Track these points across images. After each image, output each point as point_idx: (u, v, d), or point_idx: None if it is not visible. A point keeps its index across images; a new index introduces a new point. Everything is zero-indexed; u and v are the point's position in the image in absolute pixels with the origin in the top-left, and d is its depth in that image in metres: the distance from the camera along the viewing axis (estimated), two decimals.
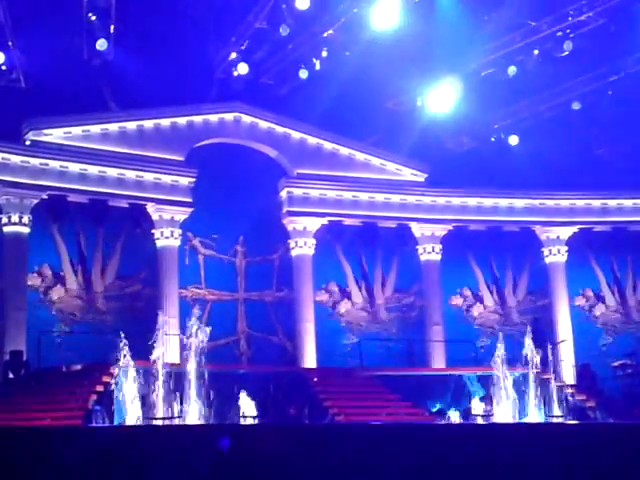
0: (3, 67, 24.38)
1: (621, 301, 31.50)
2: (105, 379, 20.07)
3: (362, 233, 29.10)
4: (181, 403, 18.47)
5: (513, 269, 31.19)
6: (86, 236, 26.21)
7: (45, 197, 24.98)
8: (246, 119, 27.92)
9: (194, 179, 26.46)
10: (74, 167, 25.28)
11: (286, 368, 25.48)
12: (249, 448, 9.35)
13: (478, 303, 30.75)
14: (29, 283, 24.82)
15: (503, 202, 30.01)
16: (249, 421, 19.27)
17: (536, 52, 25.58)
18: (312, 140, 28.62)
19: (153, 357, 18.71)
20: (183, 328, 21.41)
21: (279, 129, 28.33)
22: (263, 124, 28.15)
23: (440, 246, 29.23)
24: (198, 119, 27.30)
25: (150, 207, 26.31)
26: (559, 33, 24.91)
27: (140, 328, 21.32)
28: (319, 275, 28.40)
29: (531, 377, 21.46)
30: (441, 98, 27.76)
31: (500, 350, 21.12)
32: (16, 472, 8.60)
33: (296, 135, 28.48)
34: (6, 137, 24.52)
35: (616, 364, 28.61)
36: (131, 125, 26.35)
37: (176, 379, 18.80)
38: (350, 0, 23.96)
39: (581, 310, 31.04)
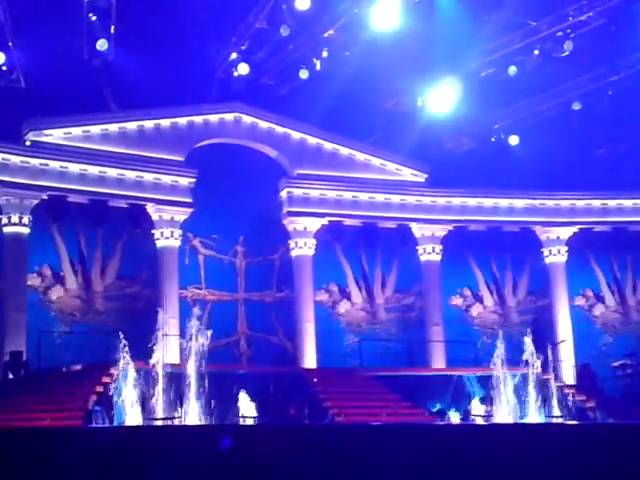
0: (3, 67, 24.36)
1: (621, 301, 31.53)
2: (105, 380, 20.07)
3: (362, 233, 29.12)
4: (181, 403, 18.47)
5: (513, 269, 31.21)
6: (86, 236, 26.23)
7: (45, 197, 24.99)
8: (246, 119, 27.94)
9: (194, 179, 26.46)
10: (74, 167, 25.30)
11: (286, 368, 25.48)
12: (249, 448, 9.35)
13: (477, 303, 30.77)
14: (29, 283, 24.84)
15: (503, 202, 30.03)
16: (249, 421, 19.27)
17: (536, 52, 25.58)
18: (312, 140, 28.64)
19: (153, 358, 18.72)
20: (183, 328, 21.44)
21: (279, 129, 28.35)
22: (263, 124, 28.16)
23: (440, 246, 29.23)
24: (198, 119, 27.32)
25: (150, 207, 26.32)
26: (559, 33, 24.90)
27: (140, 328, 21.33)
28: (319, 275, 28.41)
29: (531, 377, 21.43)
30: (441, 98, 27.76)
31: (500, 350, 21.11)
32: (16, 472, 8.60)
33: (296, 135, 28.50)
34: (6, 137, 24.54)
35: (616, 364, 28.61)
36: (131, 125, 26.37)
37: (176, 379, 18.80)
38: (350, 0, 23.96)
39: (581, 310, 31.07)
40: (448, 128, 29.43)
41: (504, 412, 20.66)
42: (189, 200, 26.48)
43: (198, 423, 17.91)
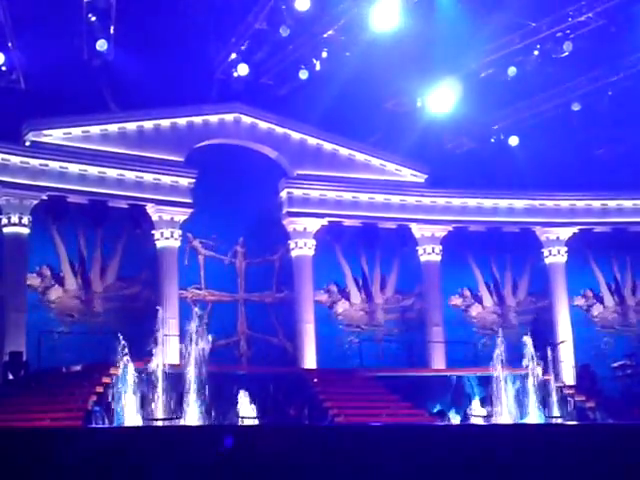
0: (3, 68, 24.36)
1: (620, 302, 31.53)
2: (105, 380, 20.09)
3: (362, 234, 29.11)
4: (181, 404, 18.47)
5: (513, 270, 31.21)
6: (86, 237, 26.22)
7: (45, 198, 24.98)
8: (246, 120, 27.93)
9: (194, 180, 26.45)
10: (74, 168, 25.29)
11: (286, 369, 25.48)
12: (249, 448, 9.35)
13: (477, 304, 30.77)
14: (28, 284, 24.83)
15: (503, 203, 30.03)
16: (249, 422, 19.26)
17: (536, 53, 25.58)
18: (312, 141, 28.63)
19: (153, 358, 18.72)
20: (183, 329, 21.43)
21: (279, 130, 28.34)
22: (263, 125, 28.16)
23: (440, 247, 29.23)
24: (198, 120, 27.31)
25: (150, 208, 26.31)
26: (559, 34, 24.90)
27: (140, 329, 21.33)
28: (319, 276, 28.40)
29: (531, 378, 21.45)
30: (441, 99, 27.76)
31: (500, 351, 21.12)
32: (16, 472, 8.60)
33: (296, 136, 28.49)
34: (6, 138, 24.52)
35: (616, 365, 28.63)
36: (131, 126, 26.36)
37: (176, 380, 18.80)
38: (350, 1, 23.96)
39: (581, 311, 31.06)
40: (448, 128, 29.45)
41: (504, 412, 20.67)
42: (189, 200, 26.47)
43: (198, 423, 17.90)
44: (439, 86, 27.34)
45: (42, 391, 21.04)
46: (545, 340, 24.79)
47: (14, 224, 24.49)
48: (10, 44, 23.88)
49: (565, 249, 30.17)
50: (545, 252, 30.33)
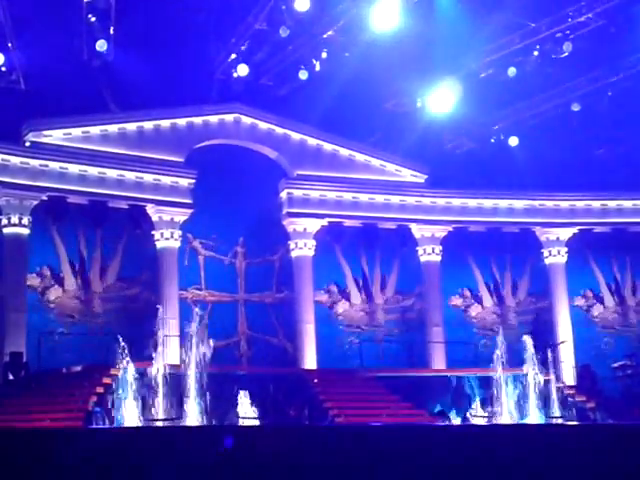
0: (3, 68, 24.35)
1: (620, 302, 31.53)
2: (105, 381, 20.08)
3: (362, 234, 29.12)
4: (181, 404, 18.46)
5: (513, 270, 31.20)
6: (86, 237, 26.22)
7: (45, 198, 24.98)
8: (246, 120, 27.93)
9: (194, 180, 26.45)
10: (74, 168, 25.29)
11: (286, 369, 25.49)
12: (249, 449, 9.35)
13: (477, 304, 30.76)
14: (28, 284, 24.82)
15: (503, 203, 30.03)
16: (249, 422, 19.26)
17: (536, 53, 25.57)
18: (312, 141, 28.63)
19: (153, 358, 18.72)
20: (183, 329, 21.43)
21: (279, 130, 28.35)
22: (263, 125, 28.16)
23: (440, 247, 29.23)
24: (198, 120, 27.31)
25: (150, 208, 26.31)
26: (558, 34, 24.89)
27: (140, 329, 21.35)
28: (319, 276, 28.39)
29: (531, 378, 21.44)
30: (441, 99, 27.74)
31: (500, 351, 21.12)
32: (16, 473, 8.60)
33: (296, 136, 28.49)
34: (6, 138, 24.52)
35: (616, 365, 28.62)
36: (131, 126, 26.37)
37: (176, 380, 18.79)
38: (350, 1, 23.95)
39: (581, 311, 31.06)
40: (448, 129, 29.45)
41: (505, 413, 20.67)
42: (189, 201, 26.47)
43: (198, 424, 17.90)
44: (439, 86, 27.33)
45: (42, 392, 21.04)
46: (545, 340, 24.80)
47: (14, 224, 24.49)
48: (10, 44, 23.87)
49: (565, 249, 30.18)
50: (545, 252, 30.33)
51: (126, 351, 18.90)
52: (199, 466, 9.03)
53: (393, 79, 27.35)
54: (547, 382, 22.36)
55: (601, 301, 31.41)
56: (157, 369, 18.66)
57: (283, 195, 28.10)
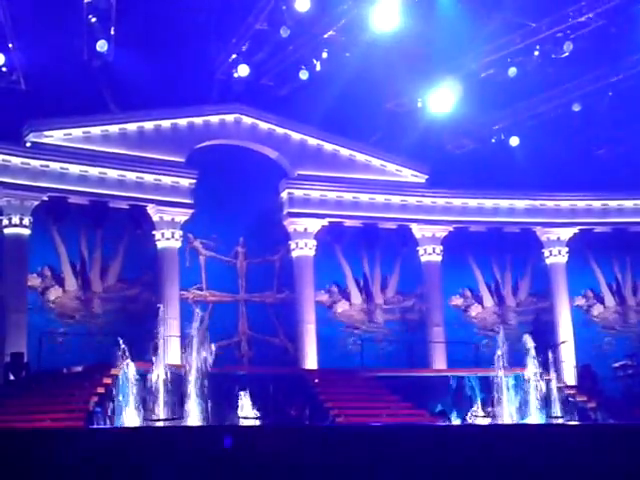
0: (3, 69, 24.34)
1: (621, 302, 31.52)
2: (106, 381, 20.06)
3: (362, 234, 29.12)
4: (182, 404, 18.46)
5: (513, 270, 31.20)
6: (86, 238, 26.23)
7: (45, 199, 24.98)
8: (247, 120, 27.95)
9: (195, 180, 26.46)
10: (74, 169, 25.30)
11: (287, 369, 25.48)
12: (249, 449, 9.36)
13: (477, 304, 30.76)
14: (29, 284, 24.83)
15: (504, 203, 30.03)
16: (250, 422, 19.25)
17: (536, 53, 25.55)
18: (312, 141, 28.64)
19: (154, 359, 18.71)
20: (184, 330, 21.43)
21: (279, 130, 28.35)
22: (264, 125, 28.17)
23: (441, 247, 29.23)
24: (198, 120, 27.32)
25: (150, 208, 26.31)
26: (559, 34, 24.87)
27: (141, 330, 21.32)
28: (320, 276, 28.40)
29: (532, 378, 21.43)
30: (441, 99, 27.74)
31: (501, 351, 21.11)
32: (16, 473, 8.61)
33: (296, 136, 28.50)
34: (7, 139, 24.54)
35: (617, 365, 28.59)
36: (131, 126, 26.38)
37: (177, 381, 18.79)
38: (350, 1, 23.94)
39: (581, 311, 31.05)
40: (448, 129, 29.43)
41: (505, 413, 20.66)
42: (190, 201, 26.47)
43: (198, 424, 17.90)
44: (439, 86, 27.33)
45: (43, 392, 21.04)
46: (546, 340, 24.77)
47: (15, 225, 24.50)
48: (10, 45, 23.88)
49: (566, 249, 30.17)
50: (546, 252, 30.33)
51: (127, 351, 18.89)
52: (199, 466, 9.04)
53: (394, 79, 27.35)
54: (548, 382, 22.35)
55: (602, 301, 31.40)
56: (158, 369, 18.64)
57: (284, 195, 28.11)
